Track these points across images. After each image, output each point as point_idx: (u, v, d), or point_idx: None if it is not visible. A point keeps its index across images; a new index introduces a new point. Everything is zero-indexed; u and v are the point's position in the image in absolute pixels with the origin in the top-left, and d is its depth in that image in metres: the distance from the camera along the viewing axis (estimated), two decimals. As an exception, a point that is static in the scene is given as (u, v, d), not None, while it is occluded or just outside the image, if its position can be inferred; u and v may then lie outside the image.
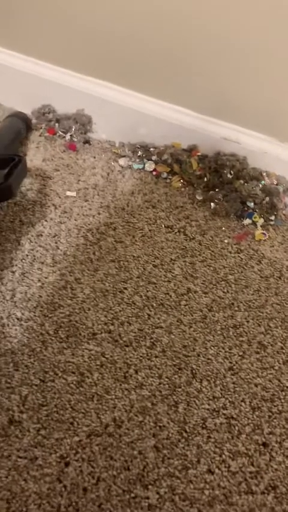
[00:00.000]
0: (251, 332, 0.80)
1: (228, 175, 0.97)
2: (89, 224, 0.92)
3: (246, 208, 0.96)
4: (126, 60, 0.99)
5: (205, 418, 0.70)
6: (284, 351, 0.78)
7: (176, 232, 0.93)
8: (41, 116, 1.09)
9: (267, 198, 0.96)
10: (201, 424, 0.70)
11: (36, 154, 1.04)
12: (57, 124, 1.08)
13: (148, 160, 1.04)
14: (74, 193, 0.97)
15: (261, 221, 0.95)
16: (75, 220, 0.93)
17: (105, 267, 0.86)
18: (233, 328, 0.80)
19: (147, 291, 0.83)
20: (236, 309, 0.83)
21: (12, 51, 1.08)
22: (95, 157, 1.05)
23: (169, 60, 0.95)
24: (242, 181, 0.97)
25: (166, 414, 0.70)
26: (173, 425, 0.69)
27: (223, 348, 0.78)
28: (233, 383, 0.74)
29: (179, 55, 0.94)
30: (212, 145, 1.00)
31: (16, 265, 0.84)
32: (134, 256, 0.88)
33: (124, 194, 0.99)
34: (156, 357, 0.76)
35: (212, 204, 0.98)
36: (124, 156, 1.05)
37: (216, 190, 0.99)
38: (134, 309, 0.81)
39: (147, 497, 0.63)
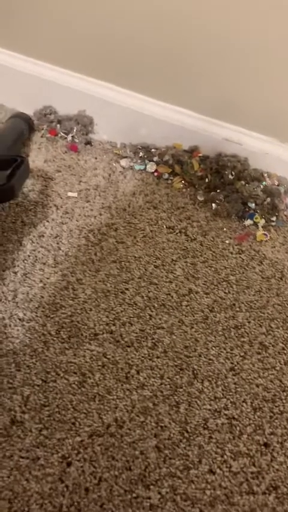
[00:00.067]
0: (253, 333, 0.80)
1: (230, 176, 0.97)
2: (90, 225, 0.92)
3: (247, 209, 0.96)
4: (127, 61, 0.99)
5: (206, 419, 0.70)
6: (285, 351, 0.79)
7: (177, 233, 0.93)
8: (42, 117, 1.09)
9: (269, 199, 0.96)
10: (202, 425, 0.70)
11: (38, 155, 1.04)
12: (58, 125, 1.08)
13: (149, 161, 1.04)
14: (75, 194, 0.97)
15: (262, 222, 0.96)
16: (77, 221, 0.93)
17: (106, 267, 0.86)
18: (235, 328, 0.80)
19: (149, 292, 0.83)
20: (238, 309, 0.83)
21: (14, 52, 1.08)
22: (96, 158, 1.05)
23: (170, 61, 0.95)
24: (243, 182, 0.97)
25: (168, 414, 0.70)
26: (175, 426, 0.69)
27: (224, 349, 0.78)
28: (235, 383, 0.74)
29: (180, 56, 0.94)
30: (213, 146, 1.00)
31: (18, 266, 0.84)
32: (135, 257, 0.88)
33: (125, 195, 0.99)
34: (157, 357, 0.76)
35: (213, 204, 0.98)
36: (125, 157, 1.05)
37: (218, 191, 0.99)
38: (135, 309, 0.81)
39: (149, 497, 0.63)
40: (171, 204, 0.98)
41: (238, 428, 0.70)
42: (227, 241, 0.93)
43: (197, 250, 0.91)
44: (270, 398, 0.73)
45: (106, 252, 0.88)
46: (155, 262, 0.88)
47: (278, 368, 0.77)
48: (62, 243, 0.89)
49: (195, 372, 0.75)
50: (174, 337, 0.78)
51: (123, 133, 1.07)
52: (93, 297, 0.82)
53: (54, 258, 0.86)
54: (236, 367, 0.76)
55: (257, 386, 0.74)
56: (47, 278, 0.83)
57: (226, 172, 0.97)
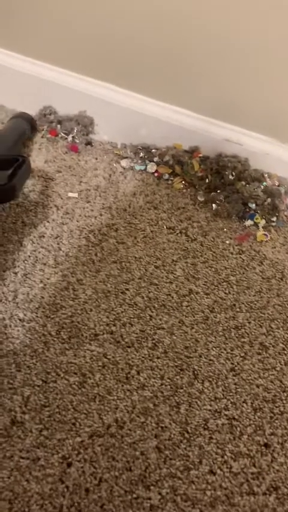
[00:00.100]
0: (253, 333, 0.80)
1: (230, 177, 0.97)
2: (91, 225, 0.92)
3: (247, 210, 0.96)
4: (128, 61, 0.99)
5: (207, 419, 0.70)
6: (285, 352, 0.78)
7: (177, 234, 0.93)
8: (42, 117, 1.09)
9: (269, 200, 0.96)
10: (203, 425, 0.70)
11: (39, 155, 1.04)
12: (59, 125, 1.08)
13: (150, 161, 1.04)
14: (76, 195, 0.98)
15: (262, 222, 0.96)
16: (77, 221, 0.93)
17: (107, 268, 0.86)
18: (235, 329, 0.80)
19: (149, 292, 0.83)
20: (238, 310, 0.83)
21: (14, 52, 1.08)
22: (97, 159, 1.05)
23: (171, 61, 0.95)
24: (243, 183, 0.97)
25: (168, 415, 0.70)
26: (175, 426, 0.69)
27: (225, 349, 0.78)
28: (235, 384, 0.74)
29: (180, 56, 0.94)
30: (214, 147, 1.00)
31: (18, 266, 0.84)
32: (135, 258, 0.88)
33: (126, 195, 0.99)
34: (158, 358, 0.76)
35: (213, 205, 0.98)
36: (126, 158, 1.05)
37: (218, 191, 0.99)
38: (135, 310, 0.81)
39: (149, 498, 0.63)
40: (172, 205, 0.98)
41: (238, 428, 0.70)
42: (227, 242, 0.93)
43: (198, 251, 0.91)
44: (270, 399, 0.73)
45: (106, 252, 0.88)
46: (156, 262, 0.88)
47: (278, 368, 0.76)
48: (63, 244, 0.89)
49: (195, 372, 0.75)
50: (175, 337, 0.78)
51: (123, 133, 1.07)
52: (94, 298, 0.82)
53: (54, 259, 0.86)
54: (236, 368, 0.76)
55: (258, 386, 0.74)
56: (48, 278, 0.83)
57: (226, 172, 0.97)
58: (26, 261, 0.85)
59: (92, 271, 0.85)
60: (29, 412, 0.69)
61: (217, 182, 0.99)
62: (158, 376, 0.74)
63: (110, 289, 0.83)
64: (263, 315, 0.83)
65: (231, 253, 0.91)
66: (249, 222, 0.96)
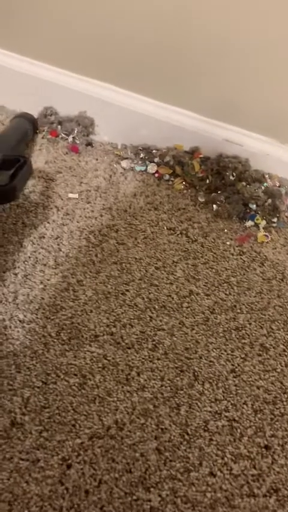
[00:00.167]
0: (253, 334, 0.80)
1: (231, 178, 0.97)
2: (91, 226, 0.92)
3: (248, 210, 0.96)
4: (128, 61, 0.99)
5: (207, 421, 0.70)
6: (286, 353, 0.78)
7: (178, 234, 0.93)
8: (43, 118, 1.09)
9: (270, 200, 0.95)
10: (203, 427, 0.70)
11: (39, 156, 1.04)
12: (59, 126, 1.08)
13: (150, 162, 1.04)
14: (76, 196, 0.97)
15: (263, 223, 0.95)
16: (78, 222, 0.93)
17: (107, 269, 0.86)
18: (235, 330, 0.80)
19: (149, 293, 0.83)
20: (238, 311, 0.83)
21: (14, 52, 1.08)
22: (97, 160, 1.05)
23: (171, 61, 0.95)
24: (244, 183, 0.97)
25: (168, 416, 0.70)
26: (175, 428, 0.69)
27: (225, 350, 0.78)
28: (235, 385, 0.74)
29: (180, 57, 0.94)
30: (214, 148, 1.00)
31: (18, 267, 0.84)
32: (136, 258, 0.88)
33: (126, 196, 0.99)
34: (158, 359, 0.76)
35: (214, 206, 0.98)
36: (126, 158, 1.05)
37: (219, 192, 0.99)
38: (136, 311, 0.81)
39: (149, 500, 0.63)
40: (172, 205, 0.98)
41: (239, 430, 0.70)
42: (228, 243, 0.93)
43: (198, 252, 0.91)
44: (271, 401, 0.73)
45: (107, 253, 0.88)
46: (156, 263, 0.88)
47: (278, 370, 0.76)
48: (63, 245, 0.89)
49: (195, 373, 0.75)
50: (175, 338, 0.78)
51: (124, 134, 1.07)
52: (94, 299, 0.82)
53: (54, 260, 0.86)
54: (236, 369, 0.76)
55: (258, 388, 0.74)
56: (48, 279, 0.83)
57: (227, 173, 0.97)
58: (26, 262, 0.85)
59: (92, 272, 0.85)
60: (29, 414, 0.68)
61: (218, 183, 0.99)
62: (158, 377, 0.74)
63: (110, 290, 0.83)
64: (263, 316, 0.82)
65: (232, 254, 0.91)
66: (249, 223, 0.96)
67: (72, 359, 0.74)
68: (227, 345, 0.78)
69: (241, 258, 0.90)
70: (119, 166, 1.04)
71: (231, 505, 0.64)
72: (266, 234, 0.94)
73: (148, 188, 1.01)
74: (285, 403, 0.73)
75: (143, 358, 0.75)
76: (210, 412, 0.71)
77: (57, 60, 1.05)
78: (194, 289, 0.85)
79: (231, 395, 0.73)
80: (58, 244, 0.89)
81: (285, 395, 0.74)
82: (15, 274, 0.83)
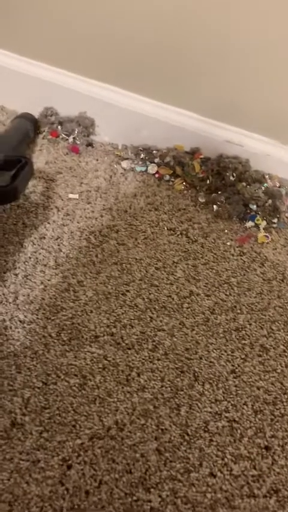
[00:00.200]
0: (254, 335, 0.80)
1: (231, 178, 0.97)
2: (91, 227, 0.92)
3: (248, 211, 0.96)
4: (128, 62, 0.99)
5: (207, 421, 0.70)
6: (286, 353, 0.78)
7: (178, 235, 0.93)
8: (43, 118, 1.09)
9: (270, 201, 0.95)
10: (203, 427, 0.70)
11: (39, 156, 1.04)
12: (60, 127, 1.08)
13: (151, 162, 1.04)
14: (76, 196, 0.97)
15: (263, 224, 0.95)
16: (78, 222, 0.93)
17: (107, 269, 0.86)
18: (236, 331, 0.80)
19: (150, 294, 0.83)
20: (239, 311, 0.83)
21: (14, 53, 1.08)
22: (97, 160, 1.05)
23: (171, 62, 0.95)
24: (244, 184, 0.97)
25: (168, 417, 0.70)
26: (175, 428, 0.69)
27: (225, 351, 0.78)
28: (235, 386, 0.74)
29: (181, 57, 0.94)
30: (215, 148, 1.00)
31: (19, 268, 0.84)
32: (136, 259, 0.88)
33: (127, 197, 0.99)
34: (158, 359, 0.76)
35: (214, 206, 0.98)
36: (127, 159, 1.05)
37: (219, 192, 0.99)
38: (136, 311, 0.81)
39: (150, 501, 0.63)
40: (173, 206, 0.98)
41: (239, 431, 0.70)
42: (228, 243, 0.93)
43: (198, 252, 0.91)
44: (271, 401, 0.73)
45: (107, 253, 0.88)
46: (156, 264, 0.88)
47: (279, 370, 0.76)
48: (63, 245, 0.89)
49: (196, 374, 0.75)
50: (175, 339, 0.78)
51: (124, 134, 1.07)
52: (94, 299, 0.82)
53: (55, 260, 0.86)
54: (237, 370, 0.76)
55: (258, 388, 0.74)
56: (48, 280, 0.83)
57: (227, 173, 0.97)
58: (26, 263, 0.85)
59: (93, 273, 0.85)
60: (29, 414, 0.69)
61: (218, 183, 0.99)
62: (159, 378, 0.74)
63: (111, 290, 0.83)
64: (263, 317, 0.82)
65: (232, 255, 0.91)
66: (250, 224, 0.96)
67: (73, 359, 0.74)
68: (227, 345, 0.78)
69: (241, 259, 0.91)
70: (119, 167, 1.04)
71: (232, 506, 0.64)
72: (266, 234, 0.94)
73: (148, 189, 1.01)
74: (285, 403, 0.73)
75: (143, 359, 0.75)
76: (210, 412, 0.71)
77: (58, 60, 1.05)
78: (194, 290, 0.85)
79: (232, 396, 0.73)
80: (58, 245, 0.89)
81: (285, 396, 0.74)
82: (16, 275, 0.83)
